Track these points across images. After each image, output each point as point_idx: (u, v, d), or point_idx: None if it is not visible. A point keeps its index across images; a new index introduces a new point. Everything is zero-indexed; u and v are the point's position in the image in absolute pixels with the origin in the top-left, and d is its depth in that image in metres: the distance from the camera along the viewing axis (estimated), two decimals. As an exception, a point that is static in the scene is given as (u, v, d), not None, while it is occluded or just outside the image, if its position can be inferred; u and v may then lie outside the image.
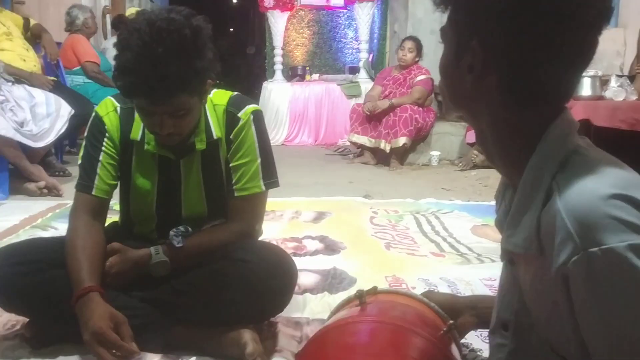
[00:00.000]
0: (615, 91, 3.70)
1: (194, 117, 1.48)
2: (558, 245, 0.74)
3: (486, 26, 0.83)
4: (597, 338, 0.74)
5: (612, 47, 4.27)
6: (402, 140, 4.80)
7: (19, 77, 3.83)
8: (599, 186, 0.74)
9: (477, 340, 1.53)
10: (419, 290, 1.52)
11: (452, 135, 5.23)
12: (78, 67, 4.98)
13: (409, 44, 5.13)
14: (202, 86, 1.43)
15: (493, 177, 4.19)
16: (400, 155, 4.98)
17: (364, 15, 6.75)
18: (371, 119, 5.06)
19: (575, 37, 0.80)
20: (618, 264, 0.70)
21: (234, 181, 1.58)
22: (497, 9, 0.81)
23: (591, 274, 0.71)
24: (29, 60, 4.08)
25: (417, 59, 5.16)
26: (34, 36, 4.46)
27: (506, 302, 1.00)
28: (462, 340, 1.40)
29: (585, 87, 3.70)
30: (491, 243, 2.63)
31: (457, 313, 1.26)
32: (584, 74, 0.91)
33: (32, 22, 4.51)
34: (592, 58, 0.84)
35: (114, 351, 1.32)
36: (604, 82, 3.82)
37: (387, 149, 4.90)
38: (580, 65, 0.84)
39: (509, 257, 0.95)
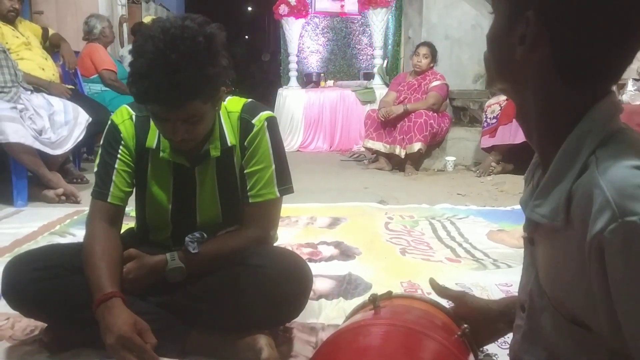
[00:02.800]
0: (632, 95, 3.67)
1: (207, 123, 1.49)
2: (595, 213, 0.73)
3: None
4: (630, 309, 0.73)
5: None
6: (417, 146, 4.79)
7: (37, 85, 3.89)
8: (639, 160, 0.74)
9: (493, 345, 1.52)
10: (434, 295, 1.51)
11: (467, 140, 5.21)
12: (95, 75, 5.04)
13: (423, 50, 5.13)
14: (215, 93, 1.44)
15: (509, 183, 4.17)
16: (416, 161, 4.97)
17: (378, 22, 6.76)
18: (386, 124, 5.05)
19: (638, 16, 0.78)
20: None
21: (248, 188, 1.59)
22: None
23: (628, 242, 0.70)
24: (47, 69, 4.14)
25: (432, 65, 5.16)
26: (53, 45, 4.53)
27: (524, 283, 0.99)
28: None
29: (602, 91, 3.67)
30: (507, 248, 2.62)
31: (492, 320, 1.23)
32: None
33: (51, 31, 4.58)
34: None
35: (135, 354, 1.33)
36: (620, 86, 3.78)
37: (402, 154, 4.89)
38: (635, 47, 0.82)
39: (530, 237, 0.94)
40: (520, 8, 0.83)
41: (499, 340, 1.52)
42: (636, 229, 0.69)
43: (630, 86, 3.70)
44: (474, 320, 1.20)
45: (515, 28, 0.85)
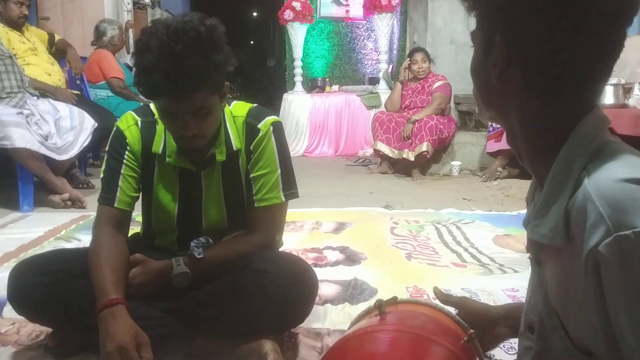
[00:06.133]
0: (639, 99, 3.66)
1: (215, 118, 1.49)
2: (589, 228, 0.73)
3: (507, 20, 0.83)
4: (627, 325, 0.72)
5: (635, 55, 4.21)
6: (424, 146, 4.76)
7: (44, 91, 3.91)
8: (631, 172, 0.73)
9: (500, 351, 1.52)
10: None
11: (473, 145, 5.20)
12: (103, 82, 5.05)
13: (420, 56, 5.13)
14: (221, 83, 1.44)
15: (515, 187, 4.16)
16: (422, 165, 4.96)
17: (383, 27, 6.76)
18: (396, 129, 5.05)
19: (596, 27, 0.78)
20: None
21: (254, 192, 1.59)
22: (516, 3, 0.82)
23: (623, 257, 0.70)
24: (53, 74, 4.16)
25: (429, 67, 5.19)
26: (59, 51, 4.55)
27: (532, 304, 0.99)
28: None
29: (608, 96, 3.66)
30: (513, 253, 2.61)
31: (492, 323, 1.24)
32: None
33: (57, 37, 4.61)
34: (619, 51, 0.82)
35: None
36: (627, 90, 3.77)
37: (412, 157, 4.85)
38: (604, 58, 0.82)
39: (536, 257, 0.94)
40: (490, 35, 0.87)
41: (506, 347, 1.52)
42: (631, 243, 0.69)
43: (637, 90, 3.68)
44: (474, 323, 1.20)
45: (489, 55, 0.88)
